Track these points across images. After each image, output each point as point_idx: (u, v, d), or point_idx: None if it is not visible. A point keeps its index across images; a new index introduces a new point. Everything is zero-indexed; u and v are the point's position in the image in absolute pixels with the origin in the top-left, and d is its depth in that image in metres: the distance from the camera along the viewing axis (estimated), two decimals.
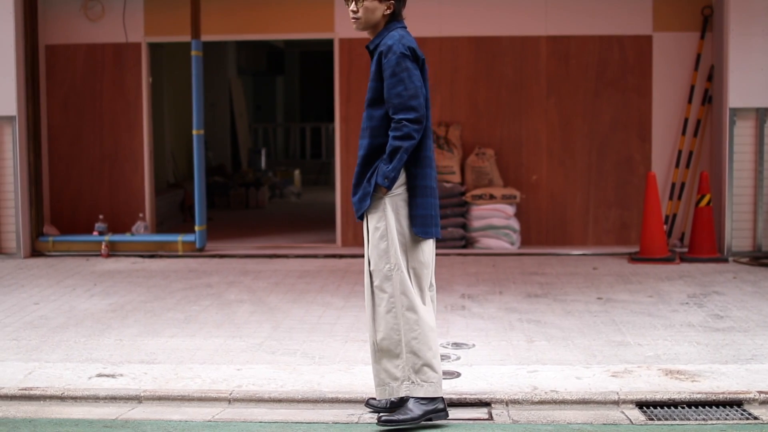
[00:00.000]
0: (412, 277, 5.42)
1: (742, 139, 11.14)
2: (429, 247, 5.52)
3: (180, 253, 11.75)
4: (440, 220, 5.77)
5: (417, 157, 5.42)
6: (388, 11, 5.50)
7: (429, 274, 5.53)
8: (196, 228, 11.85)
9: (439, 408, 5.44)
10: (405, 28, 5.54)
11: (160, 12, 12.38)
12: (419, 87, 5.37)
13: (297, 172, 20.33)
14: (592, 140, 12.09)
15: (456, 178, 11.90)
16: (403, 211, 5.42)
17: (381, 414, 5.48)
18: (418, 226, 5.41)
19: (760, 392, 5.82)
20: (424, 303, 5.44)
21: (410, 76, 5.35)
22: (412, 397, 5.40)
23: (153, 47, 12.76)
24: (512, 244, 11.78)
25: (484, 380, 6.14)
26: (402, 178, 5.42)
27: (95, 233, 11.99)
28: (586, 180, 12.12)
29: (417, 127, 5.34)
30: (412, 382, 5.38)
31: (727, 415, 5.63)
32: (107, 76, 12.44)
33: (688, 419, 5.56)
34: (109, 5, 12.34)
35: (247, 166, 20.48)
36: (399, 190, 5.41)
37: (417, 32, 5.65)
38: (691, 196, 11.78)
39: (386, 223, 5.41)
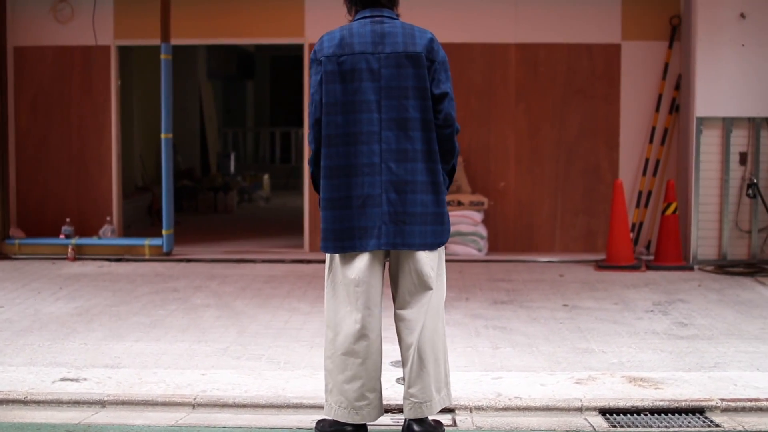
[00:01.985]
0: (348, 294, 5.12)
1: (708, 148, 11.20)
2: (361, 262, 5.09)
3: (147, 257, 11.72)
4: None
5: (321, 166, 5.14)
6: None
7: (362, 292, 5.07)
8: (164, 232, 11.81)
9: None
10: (359, 20, 5.21)
11: (130, 15, 12.35)
12: (313, 93, 5.13)
13: (266, 177, 20.30)
14: (560, 148, 12.14)
15: None
16: None
17: None
18: (320, 241, 5.16)
19: (722, 400, 5.86)
20: (360, 322, 5.08)
21: (312, 83, 5.16)
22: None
23: (122, 50, 12.73)
24: (479, 250, 11.81)
25: None
26: None
27: (62, 236, 11.93)
28: (554, 187, 12.17)
29: (311, 136, 5.16)
30: (326, 401, 5.22)
31: (689, 422, 5.66)
32: (76, 78, 12.39)
33: (651, 426, 5.59)
34: (78, 8, 12.30)
35: (216, 170, 20.44)
36: None
37: None
38: (658, 204, 11.85)
39: None
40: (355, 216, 5.07)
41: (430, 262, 5.18)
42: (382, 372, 5.29)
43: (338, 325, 5.14)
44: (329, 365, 5.18)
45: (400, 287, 5.18)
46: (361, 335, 5.09)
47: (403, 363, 5.22)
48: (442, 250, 5.28)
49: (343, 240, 5.09)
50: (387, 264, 5.27)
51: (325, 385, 5.23)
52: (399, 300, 5.19)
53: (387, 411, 5.70)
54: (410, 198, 5.09)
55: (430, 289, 5.19)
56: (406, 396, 5.20)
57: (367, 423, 5.25)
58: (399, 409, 5.38)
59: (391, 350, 6.00)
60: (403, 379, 5.25)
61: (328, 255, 5.20)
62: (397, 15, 5.29)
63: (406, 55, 5.10)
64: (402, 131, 5.08)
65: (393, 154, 5.07)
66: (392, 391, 5.90)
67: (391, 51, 5.10)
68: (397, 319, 5.21)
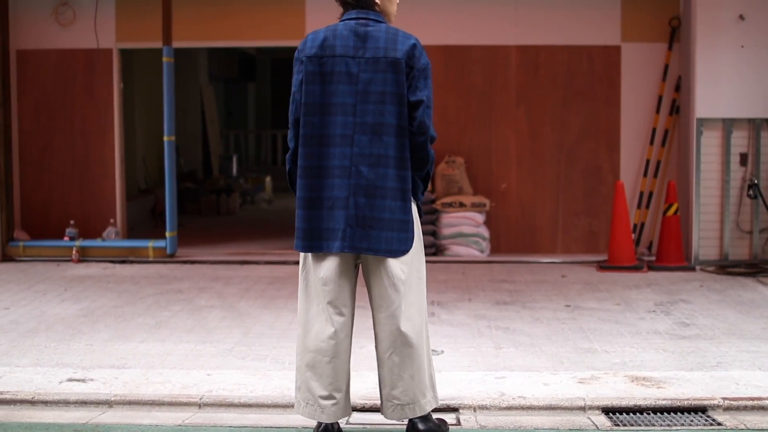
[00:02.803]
0: (317, 293, 5.19)
1: (708, 149, 11.24)
2: (330, 262, 5.14)
3: (151, 259, 11.76)
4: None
5: (298, 166, 5.18)
6: None
7: (330, 291, 5.14)
8: (167, 234, 11.86)
9: None
10: (345, 21, 5.22)
11: (132, 18, 12.39)
12: (294, 92, 5.20)
13: (268, 179, 20.32)
14: (560, 149, 12.18)
15: None
16: None
17: None
18: (295, 239, 5.25)
19: (724, 399, 5.91)
20: (328, 321, 5.14)
21: (294, 81, 5.23)
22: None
23: (124, 53, 12.77)
24: (482, 251, 11.85)
25: (452, 386, 6.19)
26: None
27: (66, 238, 11.98)
28: (555, 188, 12.21)
29: (289, 135, 5.24)
30: (295, 397, 5.29)
31: (692, 421, 5.71)
32: (78, 81, 12.44)
33: (654, 425, 5.64)
34: (80, 11, 12.34)
35: (218, 172, 20.47)
36: None
37: None
38: (659, 205, 11.89)
39: None
40: (324, 217, 5.11)
41: (400, 264, 5.15)
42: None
43: (308, 322, 5.20)
44: (299, 362, 5.24)
45: (373, 290, 5.19)
46: (329, 334, 5.14)
47: (380, 365, 5.23)
48: (417, 251, 5.25)
49: (312, 240, 5.14)
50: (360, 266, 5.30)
51: (295, 381, 5.29)
52: (374, 303, 5.21)
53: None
54: (379, 203, 5.08)
55: (402, 291, 5.15)
56: (388, 398, 5.21)
57: (333, 422, 5.27)
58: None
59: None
60: (380, 380, 5.26)
61: (301, 253, 5.25)
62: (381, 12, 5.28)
63: (386, 60, 5.08)
64: (376, 136, 5.07)
65: (365, 158, 5.07)
66: None
67: (371, 56, 5.09)
68: (374, 322, 5.23)
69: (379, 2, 5.25)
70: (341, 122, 5.09)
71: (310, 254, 5.19)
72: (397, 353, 5.14)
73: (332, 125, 5.10)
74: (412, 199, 5.19)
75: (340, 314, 5.16)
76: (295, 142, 5.21)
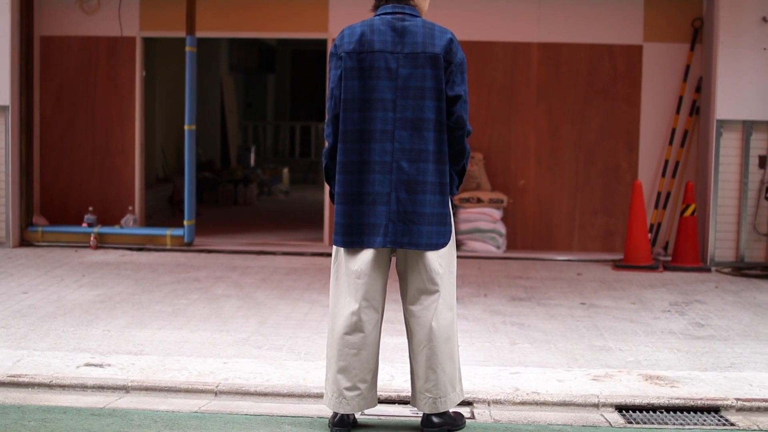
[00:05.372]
0: (348, 286, 5.18)
1: (728, 150, 11.23)
2: (365, 255, 5.14)
3: (168, 247, 11.83)
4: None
5: (337, 162, 5.18)
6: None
7: (363, 285, 5.14)
8: (185, 223, 11.91)
9: (330, 424, 5.35)
10: (381, 15, 5.20)
11: (156, 7, 12.45)
12: (332, 89, 5.19)
13: (286, 171, 20.39)
14: (580, 147, 12.19)
15: None
16: None
17: None
18: (334, 234, 5.26)
19: (738, 399, 5.92)
20: (356, 314, 5.14)
21: (331, 77, 5.22)
22: None
23: (147, 41, 12.82)
24: (498, 247, 11.88)
25: (467, 380, 6.17)
26: None
27: (84, 225, 12.05)
28: (573, 186, 12.22)
29: (327, 131, 5.26)
30: (324, 389, 5.33)
31: (705, 420, 5.72)
32: (101, 69, 12.49)
33: (666, 423, 5.65)
34: None
35: (236, 162, 20.56)
36: None
37: None
38: (677, 205, 11.89)
39: None
40: (366, 212, 5.13)
41: (438, 259, 5.20)
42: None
43: (336, 315, 5.22)
44: (329, 353, 5.28)
45: (410, 284, 5.22)
46: (357, 327, 5.16)
47: (413, 358, 5.26)
48: (452, 245, 5.30)
49: (353, 235, 5.15)
50: (394, 260, 5.33)
51: (325, 372, 5.33)
52: (409, 296, 5.24)
53: (405, 403, 5.78)
54: (420, 198, 5.11)
55: (440, 285, 5.22)
56: (422, 390, 5.24)
57: (356, 413, 5.35)
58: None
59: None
60: (412, 373, 5.30)
61: (334, 246, 5.28)
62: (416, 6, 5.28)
63: (425, 55, 5.09)
64: (416, 131, 5.10)
65: (405, 153, 5.10)
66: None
67: (410, 51, 5.09)
68: (408, 315, 5.25)
69: None
70: (381, 118, 5.10)
71: (343, 248, 5.22)
72: (430, 347, 5.18)
73: (372, 121, 5.11)
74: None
75: (370, 307, 5.19)
76: (333, 138, 5.22)
